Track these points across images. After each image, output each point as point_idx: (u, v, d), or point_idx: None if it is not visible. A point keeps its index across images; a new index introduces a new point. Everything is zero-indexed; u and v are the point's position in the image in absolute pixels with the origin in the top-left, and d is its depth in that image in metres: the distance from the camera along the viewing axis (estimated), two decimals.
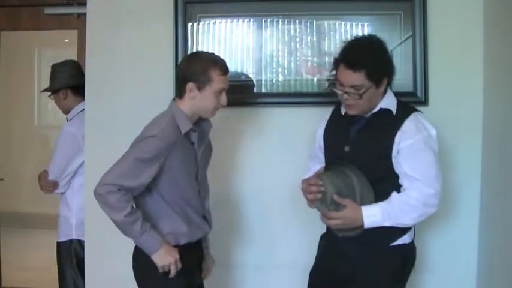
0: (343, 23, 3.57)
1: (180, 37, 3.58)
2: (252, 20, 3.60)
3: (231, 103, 3.47)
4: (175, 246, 2.78)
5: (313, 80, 3.58)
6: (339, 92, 2.78)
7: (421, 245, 3.42)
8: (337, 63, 2.80)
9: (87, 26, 3.70)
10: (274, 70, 3.59)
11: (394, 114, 2.82)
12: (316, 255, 3.09)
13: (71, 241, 4.06)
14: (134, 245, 2.81)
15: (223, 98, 2.83)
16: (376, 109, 2.84)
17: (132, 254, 2.90)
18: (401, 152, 2.74)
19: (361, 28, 3.55)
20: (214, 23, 3.64)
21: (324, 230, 3.05)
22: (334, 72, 2.84)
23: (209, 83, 2.75)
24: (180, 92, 2.83)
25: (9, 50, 5.68)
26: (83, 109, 3.82)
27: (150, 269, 2.74)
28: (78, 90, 3.96)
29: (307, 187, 2.88)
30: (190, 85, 2.76)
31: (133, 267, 2.91)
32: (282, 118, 3.56)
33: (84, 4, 3.75)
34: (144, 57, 3.64)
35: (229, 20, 3.63)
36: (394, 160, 2.77)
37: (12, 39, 5.92)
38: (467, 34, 3.46)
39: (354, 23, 3.57)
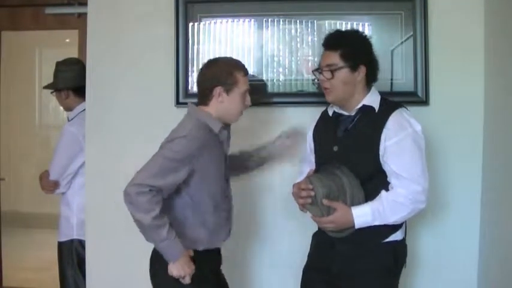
0: (344, 22, 3.57)
1: (181, 37, 3.59)
2: (252, 19, 3.61)
3: None
4: (194, 251, 2.78)
5: (314, 79, 3.55)
6: (316, 75, 2.90)
7: (421, 244, 3.44)
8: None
9: (88, 25, 3.71)
10: (275, 70, 3.60)
11: (376, 111, 2.83)
12: (309, 253, 3.09)
13: (72, 241, 4.07)
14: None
15: (248, 99, 2.87)
16: (359, 105, 2.85)
17: (150, 258, 2.89)
18: (387, 150, 2.75)
19: (362, 28, 3.55)
20: (215, 23, 3.64)
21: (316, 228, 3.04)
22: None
23: (236, 84, 2.79)
24: (205, 98, 2.83)
25: (10, 50, 5.67)
26: (84, 109, 3.82)
27: (167, 274, 2.73)
28: (81, 91, 3.96)
29: (298, 191, 2.88)
30: (218, 89, 2.78)
31: (150, 272, 2.90)
32: (283, 118, 3.55)
33: (85, 4, 3.76)
34: (144, 57, 3.65)
35: (230, 20, 3.63)
36: (381, 159, 2.77)
37: (13, 39, 5.91)
38: (468, 34, 3.46)
39: (354, 23, 3.56)
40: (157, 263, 2.79)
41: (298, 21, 3.58)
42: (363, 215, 2.74)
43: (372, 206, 2.75)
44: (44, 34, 6.72)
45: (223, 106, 2.80)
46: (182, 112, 3.51)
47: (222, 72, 2.78)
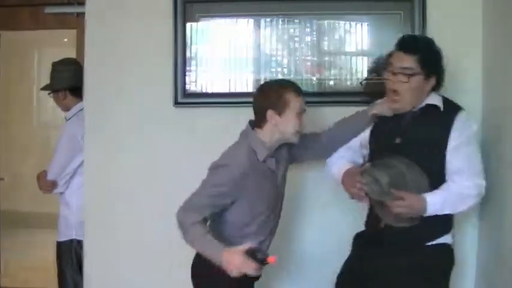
0: (342, 22, 3.57)
1: (180, 36, 3.57)
2: (251, 19, 3.59)
3: (230, 103, 3.53)
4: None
5: (312, 79, 3.57)
6: (387, 76, 2.88)
7: None
8: (391, 53, 2.93)
9: (86, 25, 3.69)
10: (273, 69, 3.58)
11: (442, 110, 2.87)
12: (350, 255, 3.10)
13: (71, 241, 4.07)
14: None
15: (303, 120, 2.88)
16: (423, 105, 2.89)
17: (192, 262, 2.95)
18: (453, 149, 2.80)
19: (360, 28, 3.55)
20: (213, 23, 3.64)
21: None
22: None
23: (287, 105, 2.81)
24: (260, 122, 2.87)
25: (8, 50, 5.68)
26: (82, 109, 3.81)
27: (209, 277, 2.79)
28: (78, 91, 3.95)
29: (353, 182, 2.90)
30: (270, 112, 2.81)
31: (192, 275, 2.96)
32: None
33: (83, 3, 3.74)
34: (143, 56, 3.64)
35: (228, 20, 3.62)
36: (447, 156, 2.82)
37: (11, 39, 5.92)
38: (466, 34, 3.45)
39: (353, 23, 3.57)
40: (199, 267, 2.89)
41: (296, 21, 3.57)
42: (435, 202, 2.76)
43: (441, 194, 2.78)
44: (42, 34, 6.74)
45: (277, 129, 2.84)
46: (180, 112, 3.56)
47: (272, 95, 2.83)
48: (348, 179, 2.98)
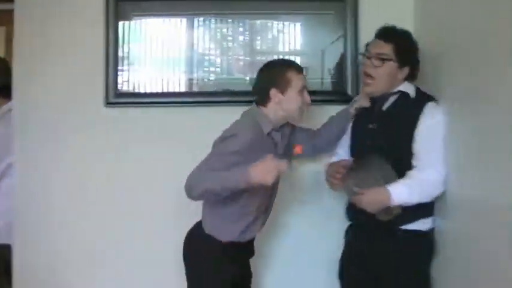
0: (275, 22, 3.59)
1: (111, 35, 3.51)
2: (184, 18, 3.57)
3: (163, 102, 3.50)
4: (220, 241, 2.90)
5: (245, 79, 3.57)
6: (363, 60, 3.03)
7: None
8: (369, 42, 3.07)
9: (15, 23, 3.56)
10: (206, 69, 3.57)
11: (413, 98, 2.97)
12: (344, 249, 3.23)
13: None
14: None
15: (306, 96, 2.93)
16: (395, 91, 3.00)
17: (184, 242, 3.01)
18: (419, 135, 2.87)
19: (293, 27, 3.56)
20: (146, 22, 3.60)
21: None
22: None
23: (290, 83, 2.87)
24: (263, 100, 2.92)
25: None
26: (10, 109, 3.70)
27: (201, 256, 2.93)
28: (5, 90, 3.83)
29: (332, 173, 3.08)
30: (273, 91, 2.88)
31: (184, 255, 3.01)
32: (213, 117, 3.49)
33: (12, 0, 3.64)
34: (74, 55, 3.54)
35: (161, 19, 3.59)
36: (413, 141, 2.87)
37: None
38: None
39: (286, 22, 3.59)
40: (192, 245, 2.98)
41: (229, 20, 3.57)
42: (399, 192, 2.82)
43: (405, 183, 2.85)
44: None
45: (280, 107, 2.90)
46: (112, 112, 3.51)
47: (275, 74, 2.90)
48: (329, 169, 3.14)
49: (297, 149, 2.92)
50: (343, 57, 3.54)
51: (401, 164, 2.89)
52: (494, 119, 2.45)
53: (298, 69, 2.94)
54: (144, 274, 3.54)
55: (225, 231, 2.92)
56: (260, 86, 2.98)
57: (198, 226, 3.00)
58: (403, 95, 2.99)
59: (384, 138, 2.94)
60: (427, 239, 2.99)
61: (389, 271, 2.94)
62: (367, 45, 3.07)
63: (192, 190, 2.75)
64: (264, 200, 2.99)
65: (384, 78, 2.97)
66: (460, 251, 2.81)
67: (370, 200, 2.86)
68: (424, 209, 2.94)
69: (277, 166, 2.66)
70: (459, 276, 2.81)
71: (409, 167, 2.89)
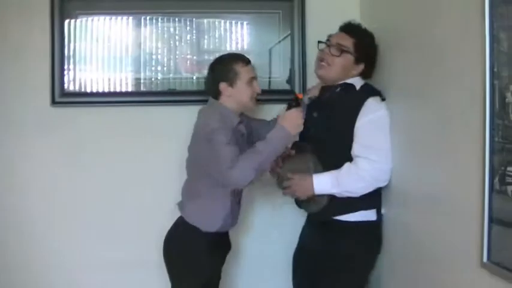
0: (222, 21, 3.59)
1: (57, 34, 3.45)
2: (131, 17, 3.53)
3: (110, 102, 3.48)
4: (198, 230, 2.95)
5: (192, 78, 3.57)
6: (323, 47, 3.07)
7: None
8: (332, 34, 3.11)
9: None
10: (153, 68, 3.54)
11: (357, 89, 3.02)
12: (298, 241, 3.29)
13: None
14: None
15: (256, 86, 3.02)
16: (341, 82, 3.05)
17: (164, 239, 3.05)
18: (357, 128, 2.90)
19: (240, 26, 3.56)
20: (92, 20, 3.53)
21: None
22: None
23: (238, 76, 2.96)
24: (215, 94, 3.01)
25: None
26: None
27: (186, 250, 2.97)
28: None
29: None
30: (222, 85, 2.97)
31: (166, 253, 3.04)
32: (161, 117, 3.52)
33: None
34: (19, 54, 3.47)
35: (107, 17, 3.54)
36: (354, 132, 2.90)
37: None
38: None
39: (233, 21, 3.59)
40: (173, 242, 3.03)
41: (176, 19, 3.55)
42: (321, 181, 2.91)
43: (331, 174, 2.90)
44: None
45: (232, 99, 2.98)
46: (58, 111, 3.47)
47: (223, 68, 2.99)
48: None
49: (299, 96, 3.02)
50: (290, 56, 3.56)
51: (340, 154, 2.93)
52: (433, 113, 2.51)
53: (245, 61, 3.01)
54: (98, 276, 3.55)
55: (208, 220, 2.97)
56: (210, 82, 3.06)
57: (179, 223, 3.06)
58: (349, 87, 3.03)
59: (325, 127, 2.98)
60: (370, 230, 3.03)
61: (328, 264, 2.97)
62: (330, 36, 3.11)
63: (248, 178, 2.76)
64: None
65: (338, 68, 3.02)
66: (404, 242, 2.86)
67: (297, 186, 2.96)
68: (365, 201, 2.97)
69: (300, 114, 2.86)
70: (405, 269, 2.87)
71: (348, 158, 2.92)
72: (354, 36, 3.04)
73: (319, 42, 3.11)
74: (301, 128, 2.86)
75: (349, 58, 3.02)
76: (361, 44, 3.03)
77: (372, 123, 2.90)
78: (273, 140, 2.80)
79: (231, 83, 2.96)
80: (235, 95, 2.97)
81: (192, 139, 3.03)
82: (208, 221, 2.97)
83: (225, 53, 3.23)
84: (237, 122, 2.98)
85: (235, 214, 3.11)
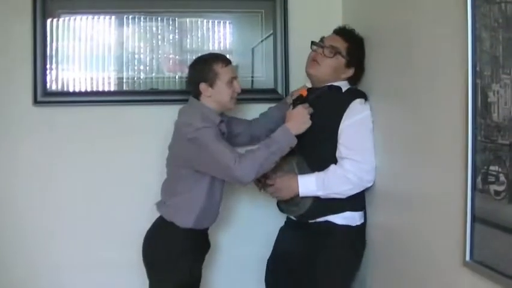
0: (205, 20, 3.58)
1: (39, 33, 3.43)
2: (113, 16, 3.52)
3: (92, 101, 3.46)
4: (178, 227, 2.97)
5: (175, 77, 3.57)
6: (316, 47, 3.09)
7: None
8: (326, 37, 3.13)
9: None
10: (135, 68, 3.54)
11: (343, 91, 3.04)
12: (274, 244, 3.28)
13: None
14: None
15: (236, 85, 3.05)
16: (328, 84, 3.06)
17: (144, 240, 3.06)
18: (341, 130, 2.91)
19: (223, 26, 3.56)
20: (74, 19, 3.52)
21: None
22: None
23: (217, 76, 2.98)
24: (196, 94, 3.03)
25: None
26: None
27: (160, 251, 2.99)
28: None
29: None
30: (202, 85, 2.98)
31: (144, 250, 3.06)
32: (143, 116, 3.51)
33: None
34: (1, 53, 3.45)
35: (90, 16, 3.52)
36: (338, 135, 2.91)
37: None
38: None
39: (216, 21, 3.59)
40: (152, 243, 3.05)
41: (159, 18, 3.54)
42: (305, 182, 2.92)
43: (317, 176, 2.90)
44: None
45: (212, 99, 3.00)
46: (40, 111, 3.45)
47: (202, 69, 3.00)
48: None
49: (302, 92, 3.06)
50: (272, 56, 3.57)
51: (326, 155, 2.95)
52: (416, 113, 2.51)
53: (225, 61, 3.03)
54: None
55: (186, 215, 2.97)
56: (191, 81, 3.09)
57: (157, 223, 3.08)
58: (335, 88, 3.05)
59: (310, 128, 2.96)
60: (354, 233, 3.02)
61: (311, 269, 2.97)
62: (323, 37, 3.13)
63: (252, 175, 2.84)
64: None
65: (329, 69, 3.05)
66: (387, 243, 2.88)
67: (282, 185, 2.97)
68: (349, 203, 2.97)
69: (305, 110, 2.91)
70: (389, 269, 2.88)
71: (333, 158, 2.94)
72: (348, 41, 3.07)
73: (312, 42, 3.12)
74: (308, 123, 2.90)
75: (341, 61, 3.05)
76: (354, 48, 3.07)
77: (356, 125, 2.91)
78: (278, 138, 2.86)
79: (211, 84, 2.98)
80: (215, 95, 3.00)
81: (173, 137, 3.04)
82: (186, 217, 2.98)
83: (206, 53, 3.23)
84: (218, 121, 2.99)
85: (215, 211, 3.12)
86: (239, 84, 3.06)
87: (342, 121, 2.91)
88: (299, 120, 2.90)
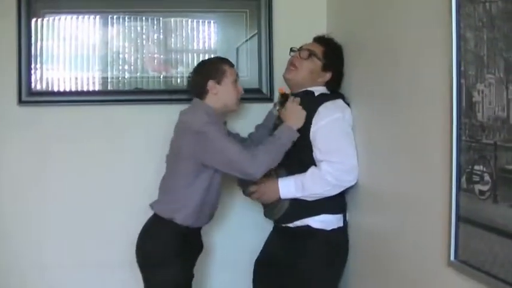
0: (189, 20, 3.59)
1: (23, 33, 3.42)
2: (97, 16, 3.52)
3: (77, 101, 3.45)
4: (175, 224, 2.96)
5: (159, 77, 3.57)
6: (293, 54, 3.18)
7: None
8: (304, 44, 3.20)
9: None
10: (120, 67, 3.53)
11: (315, 96, 3.08)
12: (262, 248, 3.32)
13: None
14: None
15: (239, 87, 3.14)
16: (303, 89, 3.11)
17: (137, 239, 3.04)
18: (313, 133, 2.96)
19: (207, 25, 3.57)
20: (59, 19, 3.51)
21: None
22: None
23: (225, 74, 3.06)
24: (202, 94, 3.06)
25: None
26: None
27: (154, 251, 2.99)
28: None
29: None
30: (210, 83, 3.04)
31: (137, 250, 3.04)
32: (128, 116, 3.52)
33: None
34: None
35: (74, 16, 3.51)
36: (311, 137, 2.96)
37: None
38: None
39: (200, 20, 3.60)
40: (147, 242, 3.03)
41: (143, 18, 3.54)
42: (285, 185, 2.98)
43: (296, 178, 2.95)
44: None
45: (218, 97, 3.05)
46: (25, 111, 3.44)
47: (211, 68, 3.09)
48: None
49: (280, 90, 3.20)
50: (257, 55, 3.59)
51: (303, 159, 2.98)
52: (400, 113, 2.54)
53: (229, 63, 3.14)
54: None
55: (182, 212, 2.96)
56: (197, 81, 3.12)
57: (150, 222, 3.08)
58: (309, 93, 3.09)
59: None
60: (336, 237, 3.05)
61: (296, 273, 2.99)
62: (303, 45, 3.20)
63: (263, 170, 2.88)
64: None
65: (306, 72, 3.11)
66: (371, 244, 2.90)
67: (264, 189, 3.03)
68: (329, 204, 3.01)
69: (294, 104, 3.00)
70: (373, 270, 2.89)
71: (312, 162, 2.97)
72: (324, 46, 3.16)
73: (291, 49, 3.19)
74: (304, 112, 2.97)
75: (317, 63, 3.11)
76: (330, 52, 3.14)
77: (327, 127, 2.95)
78: (281, 134, 2.93)
79: (219, 81, 3.04)
80: (222, 94, 3.05)
81: (175, 133, 3.06)
82: (185, 212, 2.97)
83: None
84: (222, 122, 3.07)
85: (213, 207, 3.13)
86: (241, 86, 3.14)
87: (312, 125, 2.96)
88: (295, 115, 2.97)
